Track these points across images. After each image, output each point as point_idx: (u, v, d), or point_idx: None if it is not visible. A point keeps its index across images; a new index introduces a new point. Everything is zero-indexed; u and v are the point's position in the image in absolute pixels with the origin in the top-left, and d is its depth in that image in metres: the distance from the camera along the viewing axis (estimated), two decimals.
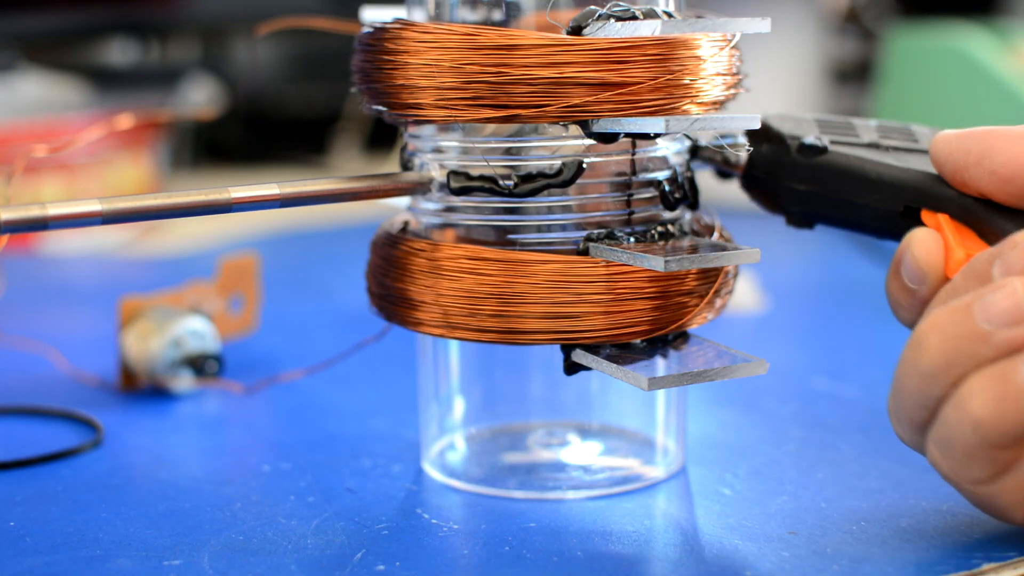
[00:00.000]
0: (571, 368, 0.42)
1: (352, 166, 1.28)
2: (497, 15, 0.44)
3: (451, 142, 0.44)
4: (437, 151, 0.44)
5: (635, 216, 0.43)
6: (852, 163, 0.44)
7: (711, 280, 0.43)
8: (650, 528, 0.42)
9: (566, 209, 0.43)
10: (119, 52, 1.37)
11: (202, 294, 0.63)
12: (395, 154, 0.54)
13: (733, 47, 0.43)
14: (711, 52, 0.42)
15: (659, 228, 0.43)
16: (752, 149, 0.46)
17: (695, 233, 0.45)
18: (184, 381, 0.58)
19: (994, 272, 0.37)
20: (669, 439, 0.48)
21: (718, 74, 0.42)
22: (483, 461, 0.49)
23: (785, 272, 0.84)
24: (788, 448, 0.50)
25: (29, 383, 0.60)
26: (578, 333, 0.41)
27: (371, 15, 0.47)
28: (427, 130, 0.44)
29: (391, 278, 0.44)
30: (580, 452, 0.49)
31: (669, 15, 0.42)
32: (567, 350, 0.42)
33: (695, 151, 0.46)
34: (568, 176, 0.42)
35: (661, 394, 0.48)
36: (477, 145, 0.43)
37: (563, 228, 0.43)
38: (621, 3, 0.41)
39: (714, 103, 0.42)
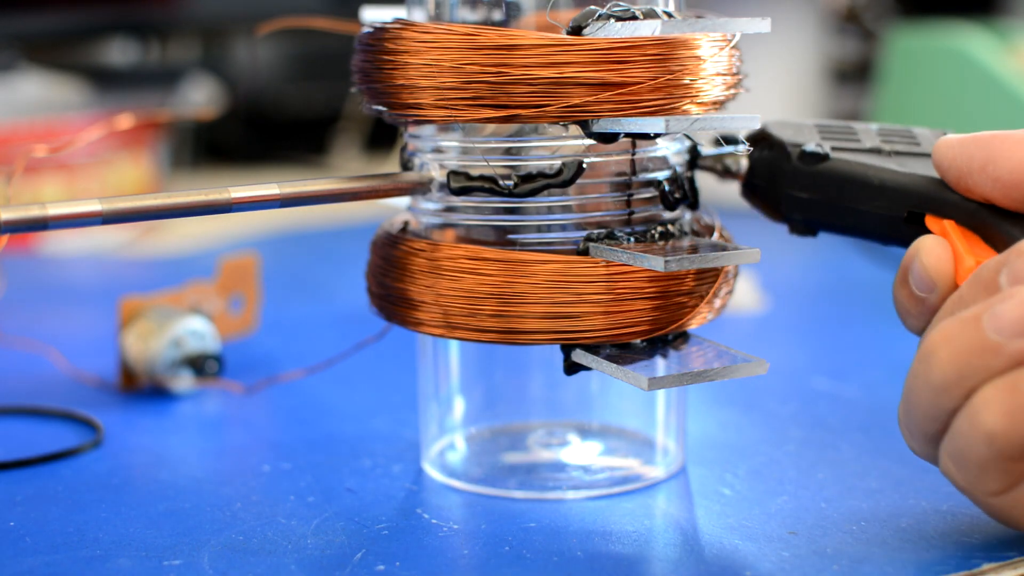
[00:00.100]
0: (571, 368, 0.42)
1: (352, 166, 1.28)
2: (497, 15, 0.44)
3: (451, 142, 0.44)
4: (437, 151, 0.44)
5: (635, 216, 0.43)
6: (854, 169, 0.44)
7: (711, 280, 0.43)
8: (650, 528, 0.42)
9: (566, 209, 0.43)
10: (119, 52, 1.37)
11: (202, 294, 0.63)
12: (395, 154, 0.54)
13: (733, 47, 0.43)
14: (711, 52, 0.42)
15: (659, 228, 0.43)
16: (753, 157, 0.46)
17: (695, 233, 0.45)
18: (184, 381, 0.58)
19: (1001, 281, 0.37)
20: (669, 439, 0.48)
21: (718, 74, 0.42)
22: (483, 461, 0.49)
23: (785, 272, 0.84)
24: (788, 448, 0.50)
25: (29, 383, 0.60)
26: (578, 333, 0.41)
27: (371, 15, 0.47)
28: (427, 130, 0.44)
29: (391, 278, 0.44)
30: (580, 452, 0.49)
31: (669, 15, 0.42)
32: (567, 350, 0.42)
33: (694, 160, 0.46)
34: (568, 176, 0.42)
35: (661, 394, 0.48)
36: (477, 145, 0.43)
37: (563, 228, 0.43)
38: (621, 3, 0.41)
39: (714, 103, 0.42)
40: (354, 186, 0.43)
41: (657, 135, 0.41)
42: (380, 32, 0.42)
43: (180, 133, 1.26)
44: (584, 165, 0.42)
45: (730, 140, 0.47)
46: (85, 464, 0.49)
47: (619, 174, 0.43)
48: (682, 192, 0.44)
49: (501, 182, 0.42)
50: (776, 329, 0.70)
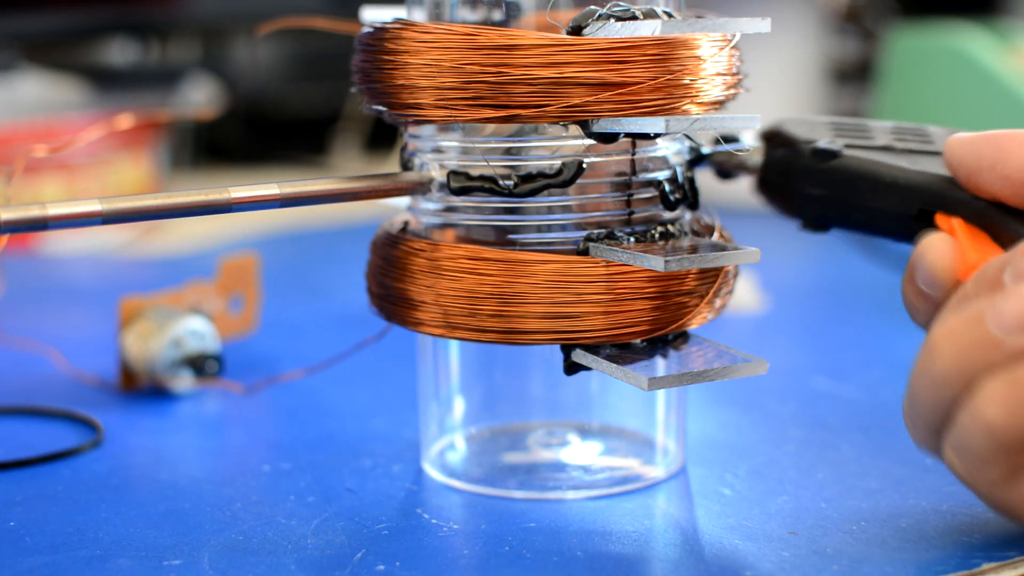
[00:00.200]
0: (571, 368, 0.42)
1: (352, 166, 1.28)
2: (497, 15, 0.44)
3: (451, 142, 0.44)
4: (437, 151, 0.44)
5: (635, 216, 0.43)
6: (865, 167, 0.44)
7: (711, 280, 0.43)
8: (650, 528, 0.42)
9: (566, 209, 0.43)
10: (119, 52, 1.37)
11: (202, 294, 0.63)
12: (395, 154, 0.54)
13: (733, 47, 0.43)
14: (711, 52, 0.42)
15: (659, 228, 0.43)
16: (766, 153, 0.46)
17: (695, 233, 0.45)
18: (184, 381, 0.58)
19: (1005, 278, 0.37)
20: (669, 439, 0.48)
21: (718, 74, 0.42)
22: (483, 461, 0.49)
23: (785, 272, 0.84)
24: (788, 448, 0.50)
25: (29, 383, 0.60)
26: (578, 333, 0.41)
27: (371, 15, 0.47)
28: (427, 130, 0.44)
29: (391, 278, 0.44)
30: (580, 452, 0.49)
31: (669, 15, 0.42)
32: (567, 350, 0.42)
33: (698, 159, 0.46)
34: (568, 176, 0.42)
35: (661, 394, 0.48)
36: (477, 145, 0.43)
37: (563, 228, 0.43)
38: (621, 3, 0.41)
39: (714, 103, 0.42)
40: (354, 186, 0.43)
41: (657, 135, 0.41)
42: (380, 32, 0.42)
43: (180, 133, 1.26)
44: (584, 165, 0.42)
45: (729, 139, 0.47)
46: (85, 464, 0.49)
47: (619, 174, 0.43)
48: (682, 192, 0.44)
49: (501, 182, 0.42)
50: (776, 329, 0.70)
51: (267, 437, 0.53)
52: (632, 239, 0.42)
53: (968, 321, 0.37)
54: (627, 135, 0.41)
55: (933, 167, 0.43)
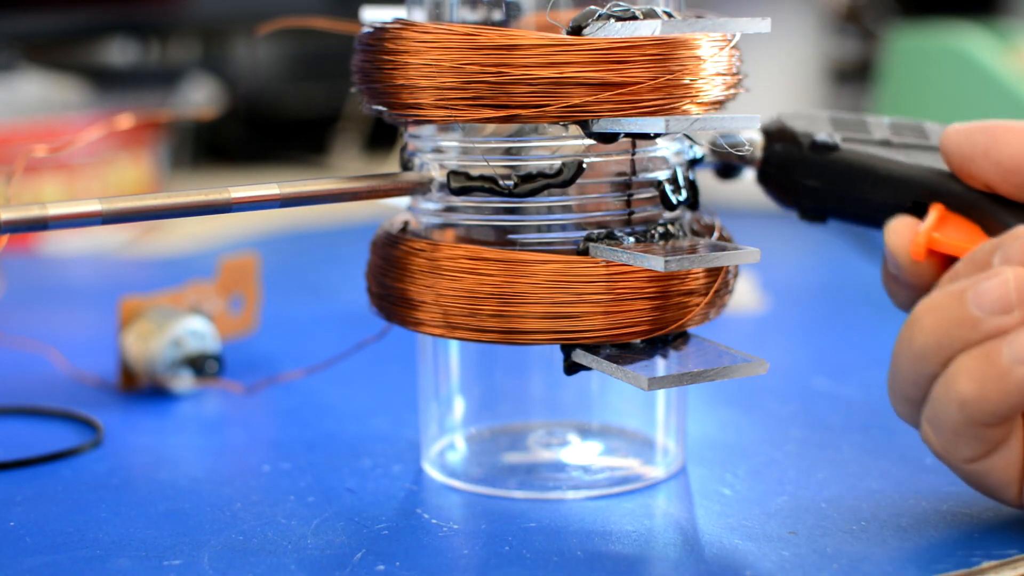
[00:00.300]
0: (571, 368, 0.42)
1: (352, 166, 1.28)
2: (497, 15, 0.44)
3: (451, 142, 0.44)
4: (437, 151, 0.44)
5: (635, 216, 0.43)
6: (863, 160, 0.45)
7: (711, 280, 0.43)
8: (650, 528, 0.42)
9: (566, 209, 0.43)
10: (119, 52, 1.37)
11: (202, 294, 0.63)
12: (395, 154, 0.54)
13: (733, 47, 0.43)
14: (711, 52, 0.42)
15: (659, 228, 0.43)
16: (767, 145, 0.47)
17: (695, 233, 0.45)
18: (184, 381, 0.58)
19: (994, 262, 0.39)
20: (669, 439, 0.48)
21: (718, 74, 0.42)
22: (483, 461, 0.49)
23: (785, 272, 0.84)
24: (788, 448, 0.50)
25: (29, 383, 0.60)
26: (578, 333, 0.41)
27: (371, 15, 0.47)
28: (427, 130, 0.44)
29: (391, 278, 0.44)
30: (580, 452, 0.49)
31: (669, 15, 0.42)
32: (567, 350, 0.42)
33: (696, 160, 0.46)
34: (568, 176, 0.42)
35: (661, 394, 0.48)
36: (477, 145, 0.43)
37: (563, 228, 0.43)
38: (621, 3, 0.41)
39: (714, 103, 0.42)
40: (354, 186, 0.43)
41: (657, 135, 0.41)
42: (380, 32, 0.42)
43: (180, 133, 1.26)
44: (584, 165, 0.42)
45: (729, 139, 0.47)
46: (85, 464, 0.49)
47: (619, 174, 0.43)
48: (682, 192, 0.44)
49: (501, 182, 0.42)
50: (776, 329, 0.70)
51: (267, 437, 0.53)
52: (632, 239, 0.42)
53: (950, 298, 0.38)
54: (627, 135, 0.41)
55: (929, 161, 0.45)
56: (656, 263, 0.39)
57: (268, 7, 1.05)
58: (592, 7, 0.41)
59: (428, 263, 0.43)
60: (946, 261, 0.42)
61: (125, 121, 0.65)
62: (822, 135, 0.46)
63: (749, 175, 0.49)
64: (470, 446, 0.50)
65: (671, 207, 0.44)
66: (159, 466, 0.49)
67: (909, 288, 0.43)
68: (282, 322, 0.71)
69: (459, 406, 0.50)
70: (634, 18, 0.40)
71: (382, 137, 1.26)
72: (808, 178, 0.46)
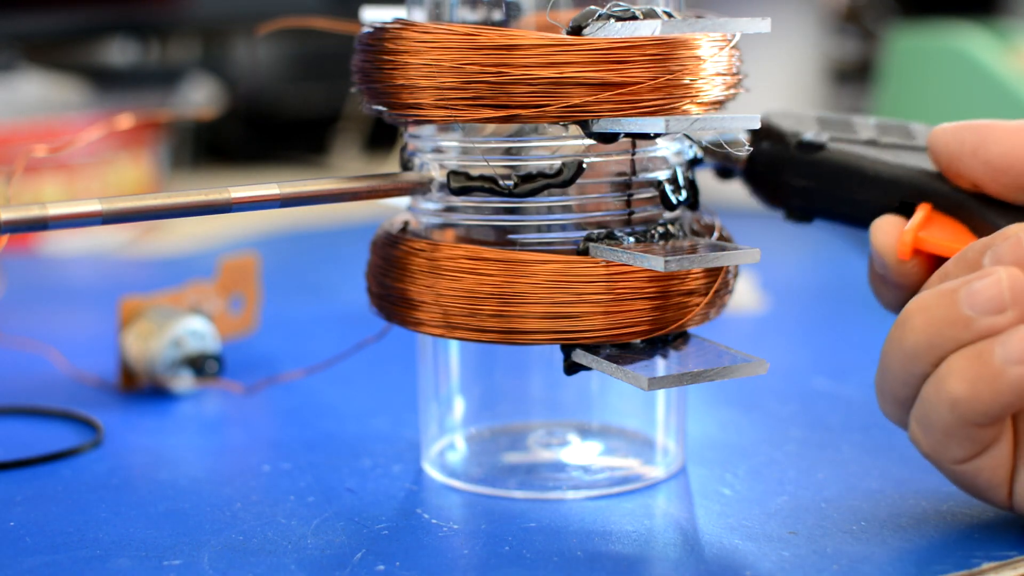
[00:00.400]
0: (571, 368, 0.42)
1: (352, 166, 1.28)
2: (497, 15, 0.44)
3: (451, 142, 0.44)
4: (437, 151, 0.44)
5: (635, 216, 0.43)
6: (850, 159, 0.45)
7: (711, 280, 0.43)
8: (650, 528, 0.42)
9: (566, 209, 0.43)
10: (119, 52, 1.37)
11: (202, 294, 0.63)
12: (395, 154, 0.54)
13: (733, 47, 0.43)
14: (711, 52, 0.42)
15: (659, 228, 0.43)
16: (753, 145, 0.47)
17: (695, 233, 0.45)
18: (184, 381, 0.58)
19: (985, 262, 0.39)
20: (669, 439, 0.48)
21: (718, 74, 0.42)
22: (483, 461, 0.49)
23: (785, 272, 0.84)
24: (788, 448, 0.50)
25: (29, 383, 0.60)
26: (578, 333, 0.41)
27: (371, 15, 0.47)
28: (427, 130, 0.44)
29: (391, 278, 0.44)
30: (580, 452, 0.49)
31: (669, 15, 0.42)
32: (567, 350, 0.42)
33: (697, 160, 0.46)
34: (568, 176, 0.42)
35: (661, 394, 0.48)
36: (477, 145, 0.43)
37: (563, 228, 0.43)
38: (621, 3, 0.41)
39: (714, 103, 0.42)
40: (354, 186, 0.43)
41: (657, 135, 0.41)
42: (380, 32, 0.42)
43: (180, 133, 1.26)
44: (584, 165, 0.42)
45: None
46: (85, 464, 0.49)
47: (619, 174, 0.43)
48: (682, 192, 0.44)
49: (501, 182, 0.42)
50: (776, 329, 0.70)
51: (267, 437, 0.53)
52: (632, 239, 0.42)
53: (942, 298, 0.38)
54: (627, 135, 0.41)
55: (915, 161, 0.45)
56: (656, 263, 0.39)
57: (268, 7, 1.05)
58: (592, 7, 0.41)
59: (428, 263, 0.43)
60: (933, 261, 0.42)
61: (125, 121, 0.65)
62: (809, 134, 0.46)
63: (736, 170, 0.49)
64: (470, 446, 0.50)
65: (671, 207, 0.44)
66: (159, 466, 0.49)
67: (896, 288, 0.43)
68: (282, 322, 0.71)
69: (459, 406, 0.50)
70: (634, 18, 0.40)
71: (382, 137, 1.26)
72: (795, 177, 0.46)
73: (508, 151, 0.43)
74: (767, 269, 0.70)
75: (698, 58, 0.41)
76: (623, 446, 0.49)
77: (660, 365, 0.43)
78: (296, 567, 0.39)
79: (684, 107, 0.41)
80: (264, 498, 0.45)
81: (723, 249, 0.41)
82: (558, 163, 0.42)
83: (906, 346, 0.38)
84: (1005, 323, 0.37)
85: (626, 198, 0.43)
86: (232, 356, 0.62)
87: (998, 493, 0.39)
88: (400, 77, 0.41)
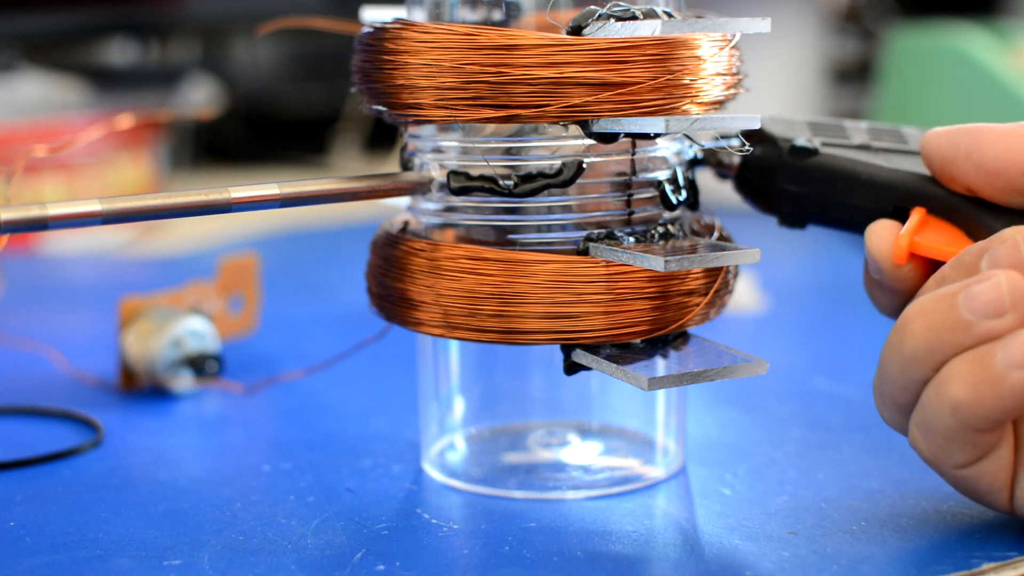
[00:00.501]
0: (571, 368, 0.42)
1: (352, 166, 1.28)
2: (497, 15, 0.44)
3: (451, 142, 0.44)
4: (437, 151, 0.44)
5: (635, 216, 0.43)
6: (842, 164, 0.45)
7: (711, 280, 0.43)
8: (650, 528, 0.42)
9: (566, 209, 0.43)
10: (119, 52, 1.37)
11: (202, 294, 0.63)
12: (395, 154, 0.54)
13: (733, 47, 0.43)
14: (711, 52, 0.42)
15: (659, 228, 0.43)
16: (745, 151, 0.47)
17: (695, 233, 0.45)
18: (184, 381, 0.58)
19: (982, 265, 0.38)
20: (669, 439, 0.48)
21: (718, 74, 0.42)
22: (483, 461, 0.49)
23: (785, 272, 0.84)
24: (788, 448, 0.50)
25: (29, 383, 0.60)
26: (578, 333, 0.41)
27: (371, 15, 0.47)
28: (427, 130, 0.44)
29: (391, 278, 0.44)
30: (580, 452, 0.49)
31: (669, 15, 0.42)
32: (567, 350, 0.42)
33: (697, 160, 0.46)
34: (568, 176, 0.42)
35: (661, 394, 0.48)
36: (477, 145, 0.43)
37: (563, 228, 0.43)
38: (621, 3, 0.41)
39: (714, 103, 0.42)
40: (354, 186, 0.43)
41: (657, 135, 0.41)
42: (380, 32, 0.42)
43: (180, 133, 1.26)
44: (584, 165, 0.42)
45: (727, 138, 0.47)
46: (85, 464, 0.49)
47: (619, 174, 0.43)
48: (682, 192, 0.44)
49: (501, 182, 0.42)
50: (776, 329, 0.70)
51: (267, 437, 0.53)
52: (632, 239, 0.42)
53: (941, 302, 0.38)
54: (627, 135, 0.41)
55: (908, 165, 0.44)
56: (656, 263, 0.39)
57: (268, 7, 1.05)
58: (592, 7, 0.41)
59: (428, 263, 0.43)
60: (928, 265, 0.42)
61: (125, 121, 0.65)
62: (801, 140, 0.46)
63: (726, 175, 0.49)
64: (470, 446, 0.50)
65: (671, 207, 0.44)
66: (159, 466, 0.49)
67: (892, 293, 0.43)
68: (282, 322, 0.71)
69: (459, 406, 0.50)
70: (634, 18, 0.40)
71: (382, 137, 1.26)
72: (788, 183, 0.46)
73: (508, 151, 0.43)
74: (767, 269, 0.70)
75: (698, 58, 0.41)
76: (623, 446, 0.49)
77: (660, 365, 0.43)
78: (296, 567, 0.39)
79: (684, 107, 0.41)
80: (264, 498, 0.45)
81: (723, 249, 0.41)
82: (558, 163, 0.42)
83: (905, 351, 0.38)
84: (1005, 327, 0.37)
85: (626, 198, 0.43)
86: (232, 356, 0.62)
87: (999, 497, 0.39)
88: (400, 77, 0.41)
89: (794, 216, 0.47)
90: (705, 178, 0.48)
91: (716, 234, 0.45)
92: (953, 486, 0.40)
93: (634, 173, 0.43)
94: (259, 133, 1.38)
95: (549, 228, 0.43)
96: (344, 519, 0.43)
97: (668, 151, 0.44)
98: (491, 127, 0.43)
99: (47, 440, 0.52)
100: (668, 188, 0.44)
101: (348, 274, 0.63)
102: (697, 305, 0.43)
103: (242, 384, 0.59)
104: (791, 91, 1.08)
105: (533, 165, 0.42)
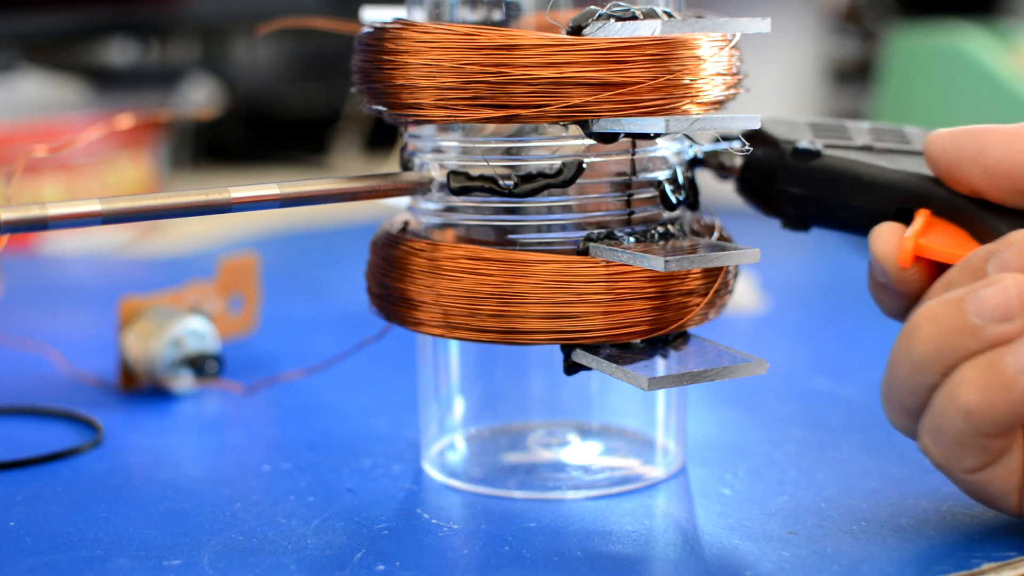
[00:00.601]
0: (571, 368, 0.42)
1: (352, 166, 1.28)
2: (497, 15, 0.44)
3: (451, 142, 0.44)
4: (437, 151, 0.44)
5: (635, 216, 0.43)
6: (846, 166, 0.45)
7: (711, 280, 0.43)
8: (650, 528, 0.42)
9: (566, 209, 0.43)
10: (119, 52, 1.37)
11: (202, 294, 0.63)
12: (395, 154, 0.54)
13: (733, 47, 0.43)
14: (711, 52, 0.42)
15: (659, 228, 0.43)
16: (747, 153, 0.47)
17: (695, 233, 0.45)
18: (184, 381, 0.58)
19: (989, 269, 0.38)
20: (669, 439, 0.48)
21: (718, 74, 0.42)
22: (483, 461, 0.49)
23: (785, 272, 0.84)
24: (788, 448, 0.50)
25: (29, 383, 0.60)
26: (578, 333, 0.41)
27: (371, 15, 0.47)
28: (427, 130, 0.44)
29: (391, 278, 0.44)
30: (580, 452, 0.49)
31: (669, 15, 0.42)
32: (567, 350, 0.42)
33: (697, 160, 0.46)
34: (568, 176, 0.42)
35: (661, 394, 0.48)
36: (477, 145, 0.43)
37: (563, 228, 0.43)
38: (621, 3, 0.41)
39: (714, 103, 0.42)
40: (354, 186, 0.43)
41: (657, 135, 0.41)
42: (380, 32, 0.42)
43: (180, 133, 1.26)
44: (584, 165, 0.42)
45: (728, 139, 0.47)
46: (85, 464, 0.49)
47: (619, 174, 0.43)
48: (682, 192, 0.44)
49: (501, 182, 0.42)
50: (776, 329, 0.70)
51: (267, 437, 0.53)
52: (632, 239, 0.42)
53: (949, 307, 0.38)
54: (627, 135, 0.41)
55: (912, 166, 0.44)
56: (656, 263, 0.39)
57: (268, 7, 1.05)
58: (592, 7, 0.41)
59: (428, 263, 0.43)
60: (934, 268, 0.42)
61: (125, 121, 0.65)
62: (804, 141, 0.45)
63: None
64: (470, 446, 0.50)
65: (671, 207, 0.44)
66: (159, 466, 0.49)
67: (897, 296, 0.43)
68: (282, 322, 0.71)
69: (459, 406, 0.50)
70: (634, 18, 0.40)
71: (382, 137, 1.26)
72: (791, 185, 0.46)
73: (508, 151, 0.43)
74: (767, 269, 0.70)
75: (698, 58, 0.41)
76: (623, 446, 0.49)
77: (660, 365, 0.43)
78: (296, 567, 0.39)
79: (684, 107, 0.41)
80: (264, 498, 0.45)
81: (723, 249, 0.41)
82: (558, 163, 0.42)
83: (914, 356, 0.38)
84: (1014, 331, 0.37)
85: (626, 198, 0.43)
86: (232, 356, 0.62)
87: (1010, 501, 0.39)
88: (400, 77, 0.41)
89: (797, 218, 0.47)
90: (705, 178, 0.47)
91: (716, 234, 0.45)
92: (964, 491, 0.40)
93: (634, 173, 0.43)
94: (259, 133, 1.38)
95: (549, 228, 0.43)
96: (344, 519, 0.43)
97: (668, 151, 0.44)
98: (491, 127, 0.43)
99: (47, 440, 0.52)
100: (668, 188, 0.44)
101: (348, 274, 0.63)
102: (697, 305, 0.43)
103: (242, 384, 0.59)
104: (791, 91, 1.08)
105: (533, 165, 0.42)
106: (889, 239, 0.42)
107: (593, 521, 0.43)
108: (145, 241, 1.01)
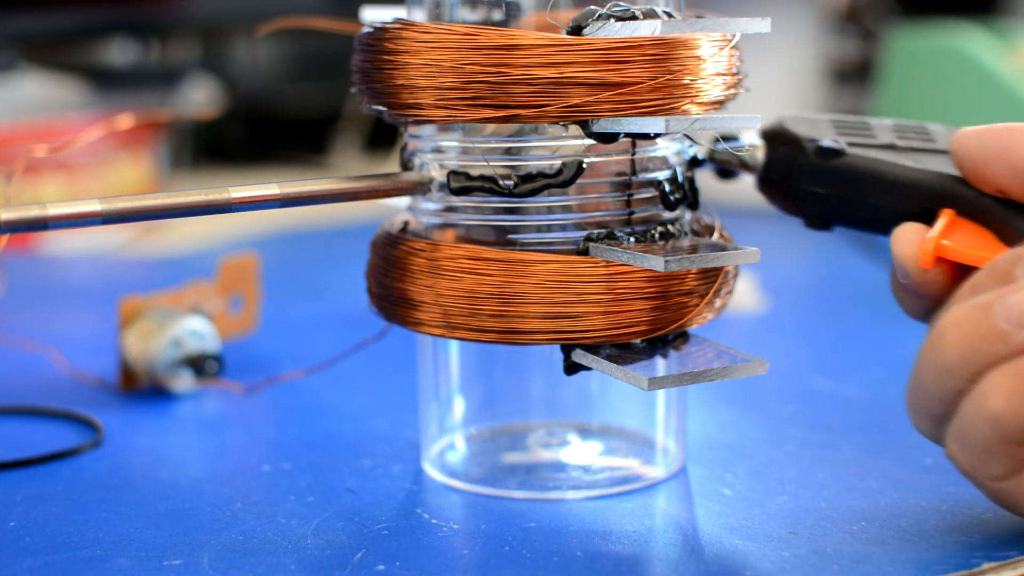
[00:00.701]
0: (571, 368, 0.42)
1: (352, 166, 1.28)
2: (497, 15, 0.44)
3: (451, 142, 0.44)
4: (437, 151, 0.44)
5: (635, 216, 0.43)
6: (870, 165, 0.44)
7: (711, 280, 0.43)
8: (650, 528, 0.42)
9: (566, 209, 0.43)
10: (119, 52, 1.37)
11: (202, 294, 0.63)
12: (395, 154, 0.54)
13: (733, 47, 0.43)
14: (711, 52, 0.42)
15: (659, 228, 0.43)
16: (769, 152, 0.46)
17: (695, 233, 0.45)
18: (184, 381, 0.58)
19: (1016, 273, 0.38)
20: (669, 439, 0.48)
21: (718, 74, 0.42)
22: (483, 461, 0.49)
23: (785, 272, 0.84)
24: (788, 448, 0.50)
25: (29, 383, 0.60)
26: (578, 333, 0.41)
27: (371, 15, 0.47)
28: (427, 130, 0.44)
29: (391, 278, 0.44)
30: (580, 452, 0.49)
31: (669, 15, 0.42)
32: (567, 350, 0.42)
33: (697, 161, 0.46)
34: (568, 176, 0.42)
35: (661, 394, 0.48)
36: (477, 145, 0.43)
37: (563, 228, 0.43)
38: (621, 3, 0.41)
39: (714, 103, 0.42)
40: (354, 186, 0.43)
41: (657, 135, 0.41)
42: (380, 32, 0.42)
43: (180, 133, 1.26)
44: (584, 165, 0.42)
45: (728, 138, 0.47)
46: (85, 464, 0.49)
47: (619, 174, 0.43)
48: (682, 192, 0.44)
49: (501, 182, 0.42)
50: (776, 329, 0.70)
51: (267, 437, 0.53)
52: (632, 239, 0.42)
53: (976, 312, 0.37)
54: (627, 135, 0.41)
55: (937, 165, 0.44)
56: (656, 263, 0.39)
57: (268, 7, 1.05)
58: (592, 7, 0.41)
59: (428, 263, 0.43)
60: (956, 269, 0.41)
61: (125, 121, 0.65)
62: (828, 140, 0.45)
63: (749, 176, 0.48)
64: (470, 446, 0.50)
65: (671, 207, 0.44)
66: (159, 466, 0.49)
67: (919, 297, 0.42)
68: (282, 322, 0.71)
69: (459, 406, 0.50)
70: (634, 18, 0.40)
71: (382, 137, 1.26)
72: (813, 184, 0.45)
73: (508, 151, 0.43)
74: (767, 269, 0.70)
75: (698, 58, 0.41)
76: (623, 446, 0.49)
77: (660, 365, 0.43)
78: (296, 567, 0.39)
79: (684, 107, 0.41)
80: (264, 498, 0.45)
81: (723, 249, 0.41)
82: (558, 163, 0.42)
83: (940, 362, 0.37)
84: None
85: (626, 198, 0.43)
86: (232, 356, 0.62)
87: None
88: (400, 77, 0.41)
89: (819, 218, 0.46)
90: (705, 178, 0.47)
91: (716, 234, 0.45)
92: (990, 498, 0.39)
93: (634, 173, 0.43)
94: (259, 133, 1.38)
95: (549, 228, 0.43)
96: (344, 519, 0.43)
97: (668, 151, 0.44)
98: (491, 127, 0.43)
99: (47, 440, 0.52)
100: (668, 188, 0.44)
101: (348, 274, 0.63)
102: (697, 305, 0.43)
103: (242, 384, 0.59)
104: (791, 91, 1.08)
105: (533, 165, 0.42)
106: (910, 240, 0.42)
107: (593, 521, 0.43)
108: (145, 241, 1.01)
